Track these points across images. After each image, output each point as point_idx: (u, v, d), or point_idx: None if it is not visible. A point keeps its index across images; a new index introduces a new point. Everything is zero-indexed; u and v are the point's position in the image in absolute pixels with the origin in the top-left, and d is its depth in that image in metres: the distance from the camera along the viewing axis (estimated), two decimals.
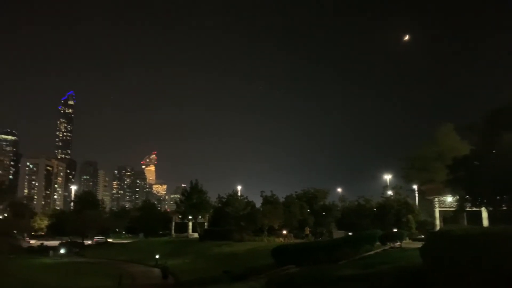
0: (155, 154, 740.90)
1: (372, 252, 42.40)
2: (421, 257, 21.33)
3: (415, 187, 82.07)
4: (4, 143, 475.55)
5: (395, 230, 61.62)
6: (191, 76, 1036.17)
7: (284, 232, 79.69)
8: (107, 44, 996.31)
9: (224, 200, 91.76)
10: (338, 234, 75.28)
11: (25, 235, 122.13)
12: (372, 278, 22.69)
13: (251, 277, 35.60)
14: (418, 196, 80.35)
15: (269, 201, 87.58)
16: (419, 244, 30.38)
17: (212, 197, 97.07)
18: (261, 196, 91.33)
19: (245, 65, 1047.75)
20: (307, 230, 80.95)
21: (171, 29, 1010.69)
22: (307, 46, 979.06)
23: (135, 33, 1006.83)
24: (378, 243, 48.23)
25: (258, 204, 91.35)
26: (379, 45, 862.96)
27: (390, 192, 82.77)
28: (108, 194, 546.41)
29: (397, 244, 49.04)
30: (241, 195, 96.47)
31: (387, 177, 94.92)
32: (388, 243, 48.83)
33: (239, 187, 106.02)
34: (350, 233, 75.00)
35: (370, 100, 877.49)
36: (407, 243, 52.23)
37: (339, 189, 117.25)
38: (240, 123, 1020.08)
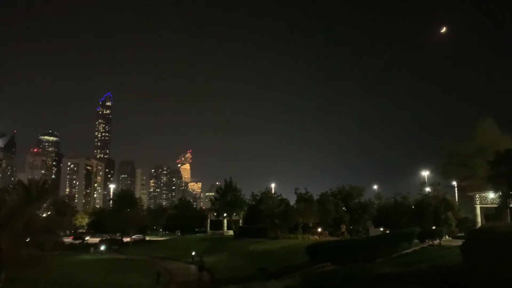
0: (190, 152, 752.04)
1: (410, 250, 41.50)
2: (461, 255, 20.69)
3: (454, 183, 79.50)
4: (46, 144, 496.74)
5: (434, 227, 60.06)
6: (226, 74, 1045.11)
7: (319, 229, 79.13)
8: (143, 44, 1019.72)
9: (258, 198, 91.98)
10: (374, 232, 74.05)
11: (68, 232, 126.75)
12: (410, 276, 22.17)
13: (286, 275, 35.54)
14: (458, 192, 77.78)
15: (303, 198, 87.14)
16: (459, 242, 29.49)
17: (246, 195, 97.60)
18: (295, 193, 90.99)
19: (280, 64, 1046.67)
20: (343, 228, 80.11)
21: (209, 25, 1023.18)
22: (340, 44, 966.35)
23: (171, 31, 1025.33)
24: (416, 241, 47.20)
25: (292, 202, 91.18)
26: (413, 39, 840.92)
27: (428, 189, 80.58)
28: (146, 192, 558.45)
29: (436, 242, 47.86)
30: (275, 193, 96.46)
31: (425, 173, 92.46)
32: (427, 241, 47.72)
33: (272, 185, 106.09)
34: (387, 231, 73.74)
35: (407, 96, 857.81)
36: (446, 241, 50.84)
37: (375, 186, 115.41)
38: (273, 122, 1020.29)
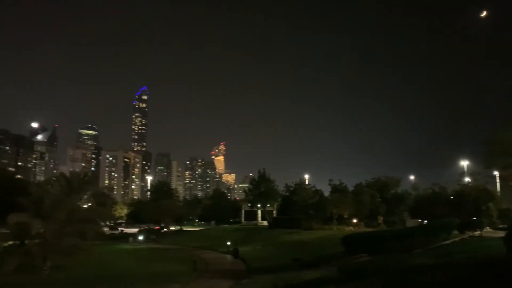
0: (223, 144, 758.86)
1: (449, 241, 40.48)
2: (504, 247, 20.02)
3: (496, 173, 76.64)
4: (86, 137, 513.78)
5: (474, 218, 58.27)
6: (260, 67, 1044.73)
7: (354, 220, 78.39)
8: (178, 38, 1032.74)
9: (291, 189, 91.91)
10: (411, 222, 72.63)
11: (108, 222, 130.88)
12: (449, 267, 21.68)
13: (321, 265, 35.48)
14: (500, 183, 74.98)
15: (337, 189, 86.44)
16: (501, 233, 28.52)
17: (280, 186, 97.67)
18: (329, 185, 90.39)
19: (314, 59, 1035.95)
20: (380, 219, 79.02)
21: (242, 20, 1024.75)
22: (376, 33, 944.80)
23: (205, 26, 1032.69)
24: (455, 232, 45.96)
25: (326, 193, 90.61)
26: (451, 26, 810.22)
27: (467, 179, 78.11)
28: (181, 183, 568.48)
29: (477, 233, 46.48)
30: (309, 184, 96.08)
31: (464, 163, 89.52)
32: (467, 232, 46.38)
33: (306, 176, 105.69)
34: (424, 222, 72.13)
35: (446, 83, 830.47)
36: (487, 232, 49.27)
37: (411, 177, 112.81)
38: (307, 113, 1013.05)
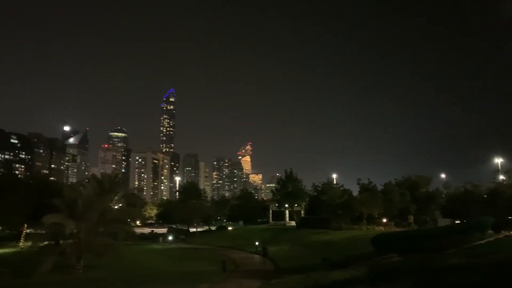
0: (250, 145, 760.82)
1: (483, 241, 39.22)
2: None
3: None
4: (116, 139, 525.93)
5: (509, 217, 56.41)
6: (285, 67, 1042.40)
7: (384, 220, 77.20)
8: (202, 40, 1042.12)
9: (319, 188, 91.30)
10: (443, 222, 70.90)
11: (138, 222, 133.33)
12: (483, 268, 21.06)
13: (351, 265, 35.06)
14: None
15: (366, 189, 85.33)
16: None
17: (307, 185, 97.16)
18: (358, 184, 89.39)
19: (338, 60, 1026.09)
20: (411, 219, 77.56)
21: (266, 22, 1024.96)
22: (414, 31, 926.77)
23: (230, 27, 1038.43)
24: (490, 231, 44.57)
25: (355, 193, 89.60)
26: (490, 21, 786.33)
27: (502, 177, 75.65)
28: (209, 184, 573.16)
29: None
30: (337, 184, 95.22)
31: (498, 160, 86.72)
32: (502, 232, 44.92)
33: (334, 176, 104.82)
34: (456, 221, 70.34)
35: (478, 81, 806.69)
36: None
37: (443, 175, 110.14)
38: (331, 113, 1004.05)
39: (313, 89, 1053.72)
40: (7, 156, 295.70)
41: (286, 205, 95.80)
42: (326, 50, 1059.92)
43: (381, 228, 70.81)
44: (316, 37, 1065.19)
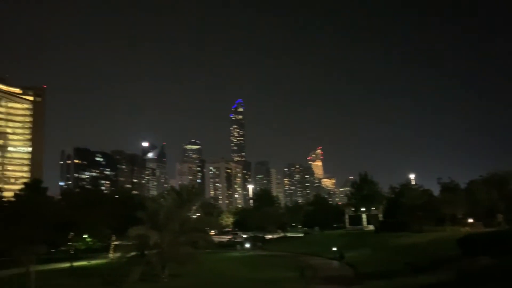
0: (320, 149, 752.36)
1: None
2: None
3: None
4: (190, 152, 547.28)
5: None
6: (352, 70, 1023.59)
7: (470, 220, 72.56)
8: (269, 47, 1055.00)
9: (397, 190, 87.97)
10: None
11: (216, 231, 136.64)
12: None
13: (436, 269, 33.36)
14: None
15: (448, 188, 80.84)
16: None
17: (384, 187, 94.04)
18: (438, 183, 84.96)
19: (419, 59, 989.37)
20: (500, 217, 72.07)
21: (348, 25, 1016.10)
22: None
23: (298, 33, 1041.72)
24: None
25: (435, 193, 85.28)
26: None
27: None
28: (281, 190, 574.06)
29: None
30: (415, 184, 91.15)
31: None
32: None
33: (412, 176, 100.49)
34: None
35: None
36: None
37: None
38: (403, 111, 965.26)
39: (384, 88, 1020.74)
40: (93, 174, 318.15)
41: (363, 209, 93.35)
42: (397, 48, 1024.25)
43: (467, 229, 66.53)
44: (398, 40, 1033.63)
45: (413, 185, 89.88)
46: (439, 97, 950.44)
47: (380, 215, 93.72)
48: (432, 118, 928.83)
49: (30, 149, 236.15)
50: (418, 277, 30.55)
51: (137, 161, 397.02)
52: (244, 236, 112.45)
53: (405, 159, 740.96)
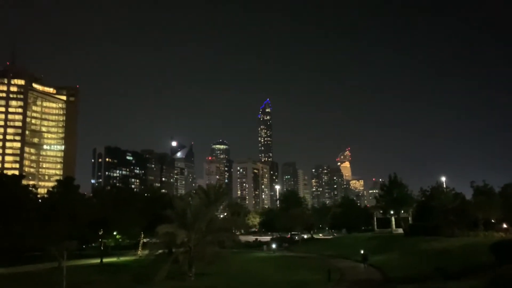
0: (348, 150, 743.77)
1: None
2: None
3: None
4: (218, 151, 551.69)
5: None
6: (379, 71, 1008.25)
7: (504, 225, 70.19)
8: (296, 48, 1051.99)
9: (427, 193, 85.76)
10: None
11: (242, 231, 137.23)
12: None
13: (469, 276, 32.37)
14: None
15: (481, 192, 78.22)
16: None
17: (414, 190, 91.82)
18: (471, 187, 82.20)
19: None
20: None
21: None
22: None
23: (326, 36, 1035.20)
24: None
25: (468, 196, 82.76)
26: None
27: None
28: (308, 192, 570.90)
29: None
30: (447, 187, 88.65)
31: None
32: None
33: (443, 179, 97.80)
34: None
35: None
36: None
37: None
38: (437, 114, 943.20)
39: (414, 89, 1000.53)
40: (124, 172, 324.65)
41: (392, 212, 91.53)
42: (432, 55, 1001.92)
43: (501, 234, 64.33)
44: (432, 43, 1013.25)
45: (444, 188, 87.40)
46: (472, 99, 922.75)
47: (410, 219, 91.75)
48: (465, 121, 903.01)
49: (63, 147, 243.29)
50: (449, 283, 29.71)
51: (166, 160, 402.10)
52: (269, 237, 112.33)
53: (436, 162, 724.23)
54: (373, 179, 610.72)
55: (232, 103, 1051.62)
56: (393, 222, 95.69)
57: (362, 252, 58.45)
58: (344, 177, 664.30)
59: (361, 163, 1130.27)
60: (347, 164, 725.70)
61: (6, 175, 73.63)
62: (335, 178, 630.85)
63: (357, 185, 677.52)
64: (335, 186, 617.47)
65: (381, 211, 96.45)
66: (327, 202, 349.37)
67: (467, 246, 52.61)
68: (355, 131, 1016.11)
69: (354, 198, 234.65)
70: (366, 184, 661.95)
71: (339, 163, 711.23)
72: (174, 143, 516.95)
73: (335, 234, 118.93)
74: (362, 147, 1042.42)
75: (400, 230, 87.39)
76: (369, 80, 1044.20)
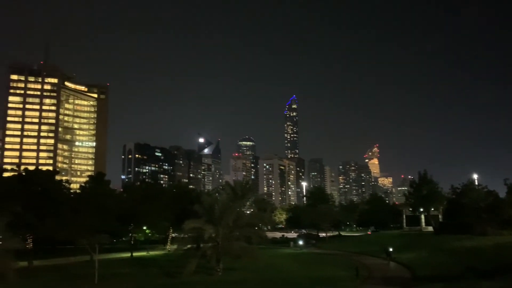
0: (377, 147, 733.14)
1: None
2: None
3: None
4: (244, 148, 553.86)
5: None
6: (411, 66, 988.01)
7: None
8: (323, 46, 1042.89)
9: (458, 190, 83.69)
10: None
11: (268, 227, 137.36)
12: None
13: (501, 276, 31.56)
14: None
15: None
16: None
17: (444, 187, 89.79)
18: (505, 184, 79.66)
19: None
20: None
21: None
22: None
23: (355, 34, 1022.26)
24: None
25: (501, 194, 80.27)
26: None
27: None
28: (335, 188, 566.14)
29: None
30: (479, 185, 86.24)
31: None
32: None
33: (475, 176, 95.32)
34: None
35: None
36: None
37: None
38: (467, 111, 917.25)
39: (441, 85, 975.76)
40: (153, 168, 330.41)
41: (421, 209, 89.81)
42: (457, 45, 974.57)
43: None
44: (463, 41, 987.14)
45: (476, 185, 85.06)
46: (503, 95, 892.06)
47: (440, 216, 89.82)
48: (497, 118, 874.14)
49: (94, 143, 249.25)
50: (480, 282, 29.03)
51: (193, 156, 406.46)
52: (295, 234, 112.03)
53: (468, 159, 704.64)
54: (402, 176, 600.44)
55: (259, 100, 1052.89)
56: (423, 220, 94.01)
57: (391, 249, 57.77)
58: (372, 174, 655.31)
59: (390, 160, 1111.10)
60: (375, 160, 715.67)
61: (41, 170, 75.94)
62: (362, 175, 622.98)
63: (386, 182, 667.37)
64: (363, 183, 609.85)
65: (410, 209, 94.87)
66: (355, 199, 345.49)
67: (500, 245, 51.25)
68: (383, 127, 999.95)
69: (383, 196, 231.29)
70: (394, 181, 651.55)
71: (367, 160, 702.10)
72: (201, 140, 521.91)
73: (369, 232, 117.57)
74: (391, 144, 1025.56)
75: (430, 228, 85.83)
76: (400, 78, 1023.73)
